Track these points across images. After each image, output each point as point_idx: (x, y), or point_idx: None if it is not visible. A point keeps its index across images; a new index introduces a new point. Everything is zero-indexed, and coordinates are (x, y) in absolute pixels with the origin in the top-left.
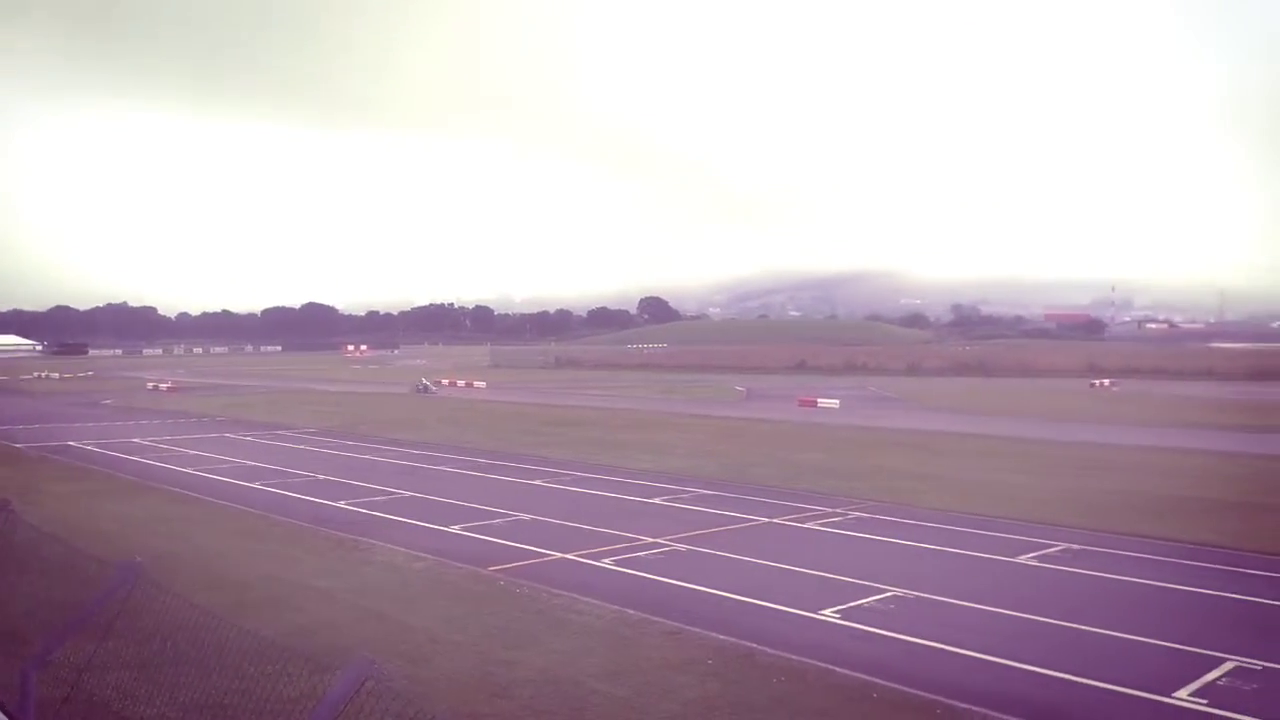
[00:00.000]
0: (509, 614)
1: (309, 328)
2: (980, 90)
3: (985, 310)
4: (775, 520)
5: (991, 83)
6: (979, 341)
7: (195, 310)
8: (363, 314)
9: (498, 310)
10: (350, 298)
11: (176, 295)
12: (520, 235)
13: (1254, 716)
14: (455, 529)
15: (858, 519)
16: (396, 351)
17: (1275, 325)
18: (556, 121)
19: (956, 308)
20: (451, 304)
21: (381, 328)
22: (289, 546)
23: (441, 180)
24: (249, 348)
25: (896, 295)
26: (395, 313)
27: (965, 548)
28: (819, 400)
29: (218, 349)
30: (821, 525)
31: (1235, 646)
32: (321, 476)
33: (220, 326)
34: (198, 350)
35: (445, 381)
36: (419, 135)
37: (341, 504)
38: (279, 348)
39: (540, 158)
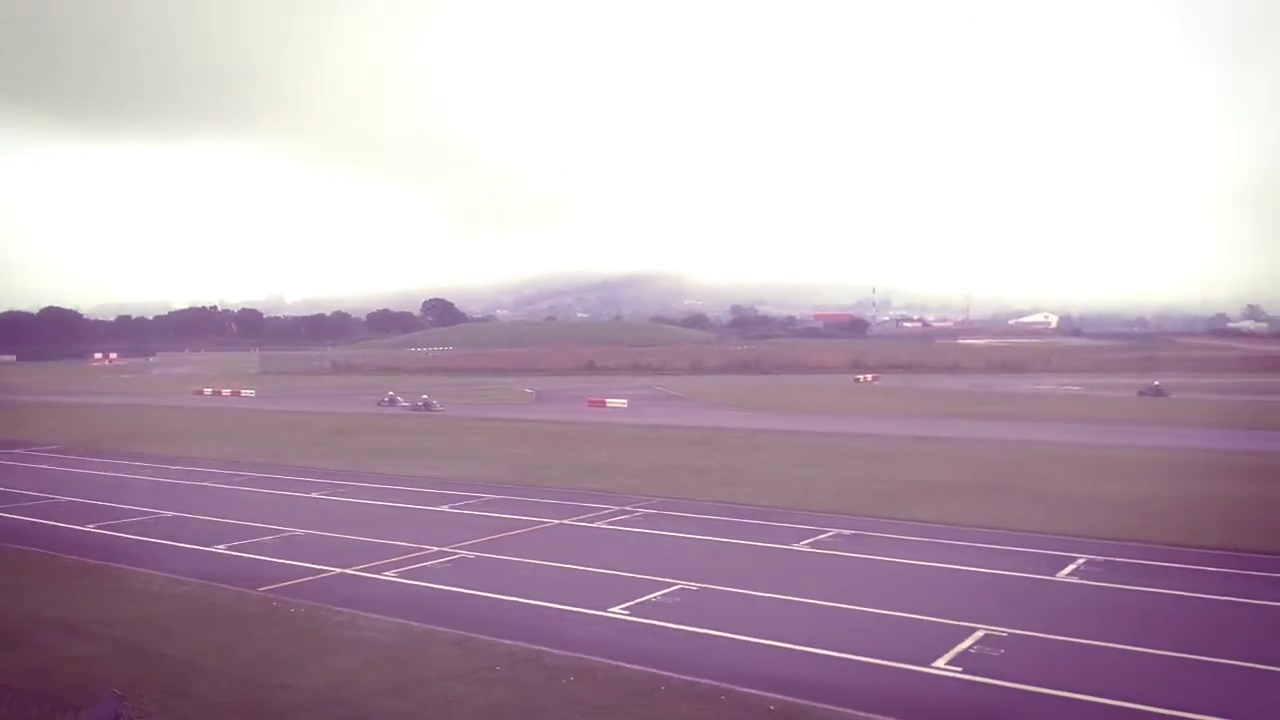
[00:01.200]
0: (282, 636)
1: (48, 335)
2: (751, 99)
3: (761, 311)
4: (565, 521)
5: (762, 94)
6: (756, 341)
7: None
8: (112, 319)
9: (267, 313)
10: (97, 301)
11: None
12: (293, 236)
13: (1002, 680)
14: (221, 548)
15: (645, 515)
16: (153, 359)
17: (1011, 323)
18: (331, 123)
19: (735, 309)
20: (215, 307)
21: (134, 334)
22: (24, 577)
23: (203, 183)
24: None
25: (679, 297)
26: (150, 317)
27: (746, 538)
28: (608, 401)
29: None
30: (610, 524)
31: (984, 617)
32: (64, 498)
33: None
34: None
35: (208, 391)
36: (178, 137)
37: (90, 528)
38: (13, 358)
39: (314, 159)
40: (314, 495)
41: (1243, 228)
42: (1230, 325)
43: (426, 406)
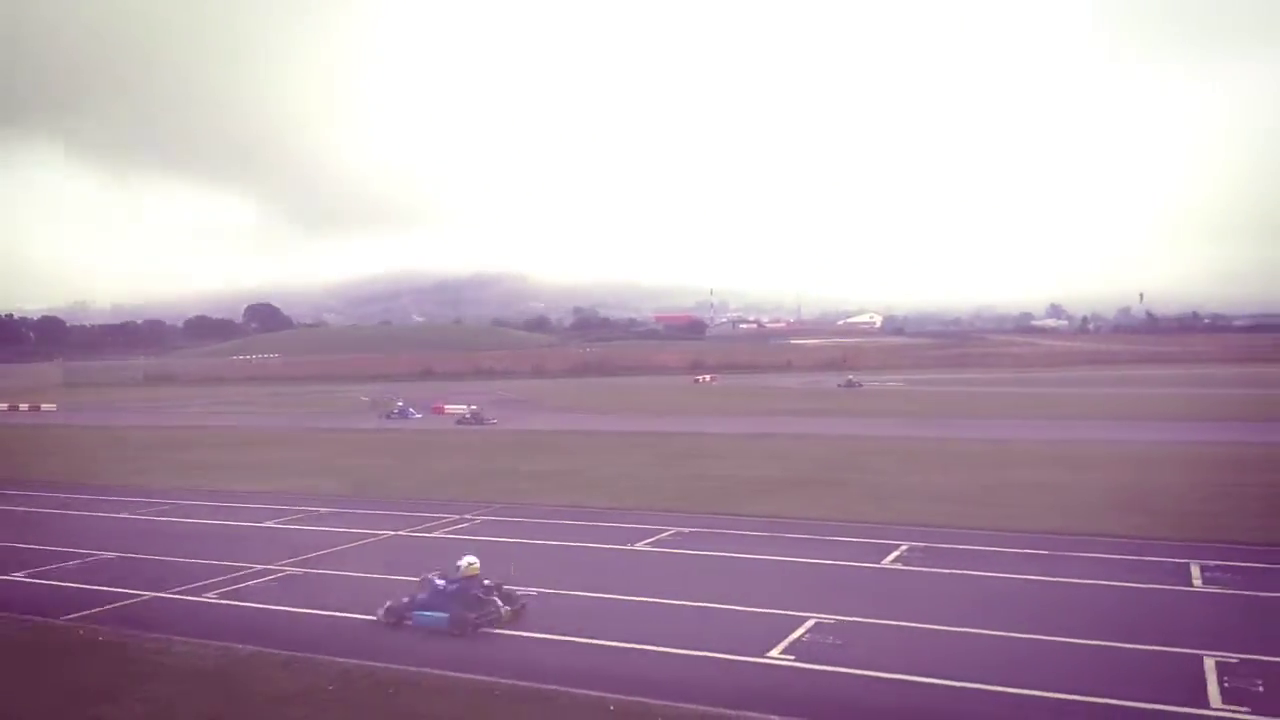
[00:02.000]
0: (91, 666)
1: None
2: (590, 100)
3: (603, 313)
4: (400, 533)
5: (601, 95)
6: (598, 343)
7: None
8: None
9: (71, 321)
10: None
11: None
12: (99, 241)
13: (833, 665)
14: (19, 576)
15: (485, 523)
16: None
17: (840, 323)
18: (137, 123)
19: (577, 311)
20: (10, 315)
21: None
22: None
23: None
24: None
25: (521, 299)
26: None
27: (586, 540)
28: (447, 407)
29: None
30: (449, 533)
31: (815, 606)
32: None
33: None
34: None
35: (4, 406)
36: None
37: None
38: None
39: (120, 161)
40: (123, 515)
41: (1048, 232)
42: (1034, 323)
43: (477, 419)
